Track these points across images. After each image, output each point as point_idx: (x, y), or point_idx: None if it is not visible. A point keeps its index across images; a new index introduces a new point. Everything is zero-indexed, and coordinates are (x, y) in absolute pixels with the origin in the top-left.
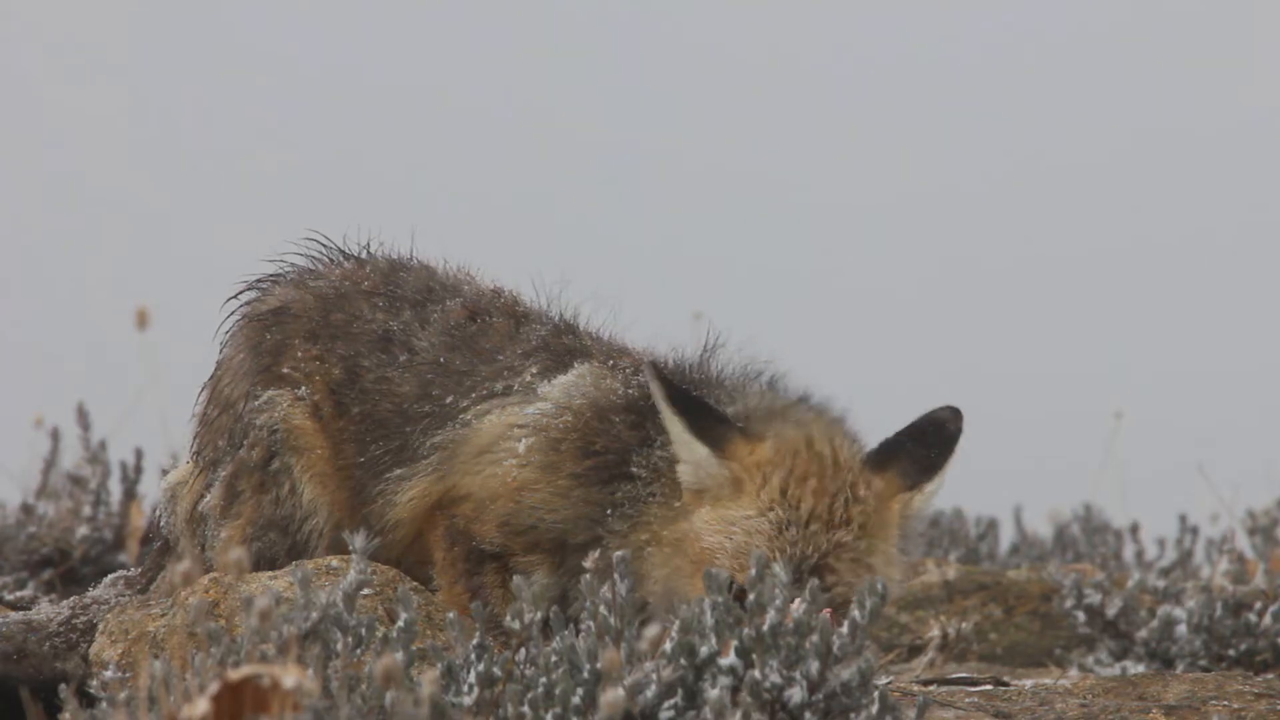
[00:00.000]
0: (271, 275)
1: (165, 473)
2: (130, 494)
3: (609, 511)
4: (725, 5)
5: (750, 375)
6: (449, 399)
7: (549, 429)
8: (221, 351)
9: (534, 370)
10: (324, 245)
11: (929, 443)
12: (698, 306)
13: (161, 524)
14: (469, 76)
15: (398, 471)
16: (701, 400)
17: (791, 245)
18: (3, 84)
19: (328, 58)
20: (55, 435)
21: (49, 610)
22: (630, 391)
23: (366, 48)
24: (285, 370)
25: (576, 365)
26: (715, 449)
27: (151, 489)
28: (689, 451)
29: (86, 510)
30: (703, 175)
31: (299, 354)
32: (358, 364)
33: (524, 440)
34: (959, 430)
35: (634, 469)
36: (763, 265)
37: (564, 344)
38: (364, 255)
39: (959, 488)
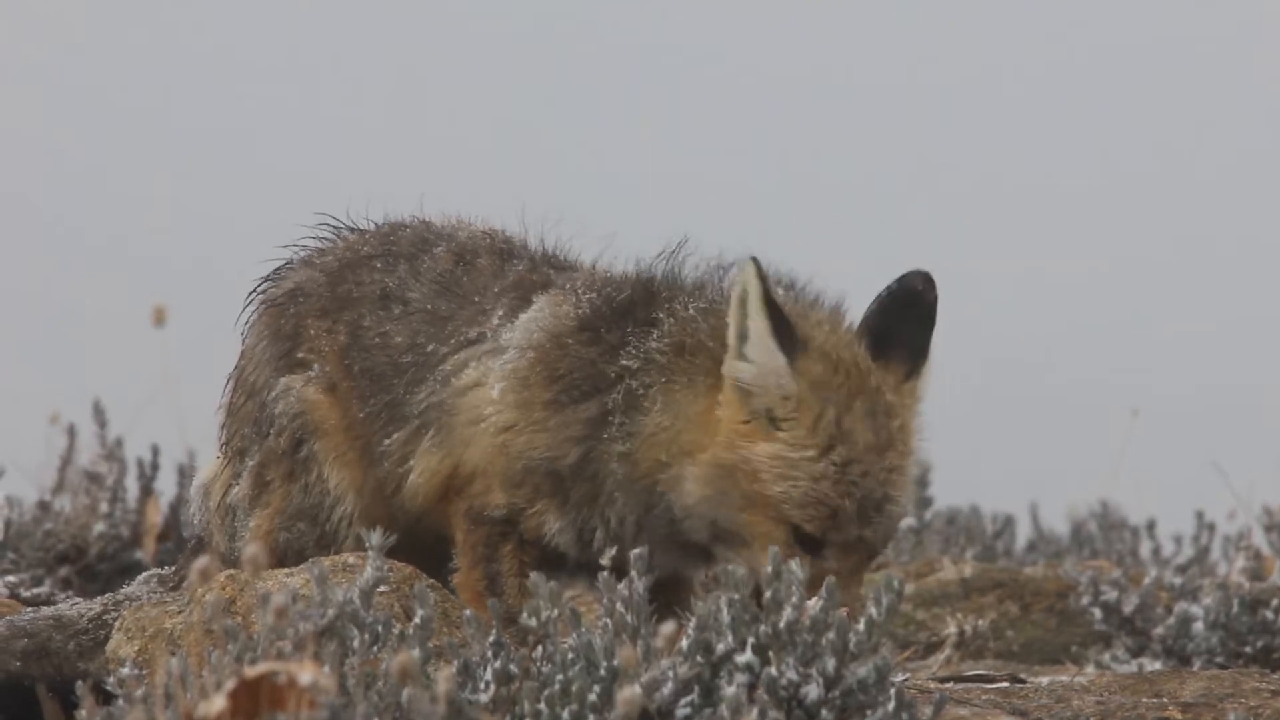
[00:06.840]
0: (287, 261)
1: (178, 469)
2: (147, 491)
3: (595, 426)
4: None
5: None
6: (430, 347)
7: (516, 372)
8: (244, 340)
9: (500, 313)
10: (333, 224)
11: (909, 318)
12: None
13: (195, 522)
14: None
15: (396, 435)
16: (783, 307)
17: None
18: (19, 76)
19: (323, 42)
20: (71, 432)
21: (81, 606)
22: (581, 310)
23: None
24: (301, 355)
25: (536, 299)
26: (791, 362)
27: (168, 486)
28: (768, 356)
29: (103, 507)
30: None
31: (312, 332)
32: (360, 325)
33: (497, 387)
34: (935, 298)
35: (612, 372)
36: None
37: (532, 279)
38: (370, 225)
39: (976, 485)
